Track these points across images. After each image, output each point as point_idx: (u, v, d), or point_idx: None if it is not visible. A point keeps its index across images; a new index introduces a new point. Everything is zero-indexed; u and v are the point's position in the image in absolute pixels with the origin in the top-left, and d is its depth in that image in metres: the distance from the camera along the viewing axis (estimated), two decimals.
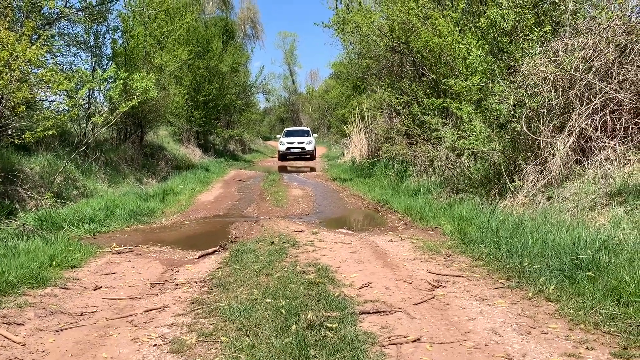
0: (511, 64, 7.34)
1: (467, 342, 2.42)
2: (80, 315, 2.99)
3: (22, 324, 2.77)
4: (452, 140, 7.43)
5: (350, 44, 14.38)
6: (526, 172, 6.55)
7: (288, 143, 23.60)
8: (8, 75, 7.41)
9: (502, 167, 6.88)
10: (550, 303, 2.97)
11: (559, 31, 6.70)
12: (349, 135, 18.54)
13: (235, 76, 26.47)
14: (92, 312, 3.05)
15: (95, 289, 3.63)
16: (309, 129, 27.10)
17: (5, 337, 2.56)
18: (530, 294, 3.14)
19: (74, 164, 9.96)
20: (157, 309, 3.09)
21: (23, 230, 5.92)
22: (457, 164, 8.02)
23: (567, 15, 6.98)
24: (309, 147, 23.65)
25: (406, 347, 2.35)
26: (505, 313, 2.84)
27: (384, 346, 2.35)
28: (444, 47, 9.49)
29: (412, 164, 10.01)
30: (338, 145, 26.35)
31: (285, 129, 26.66)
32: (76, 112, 9.43)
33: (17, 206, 7.81)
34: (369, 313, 2.81)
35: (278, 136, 26.27)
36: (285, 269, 3.88)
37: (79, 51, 14.03)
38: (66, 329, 2.75)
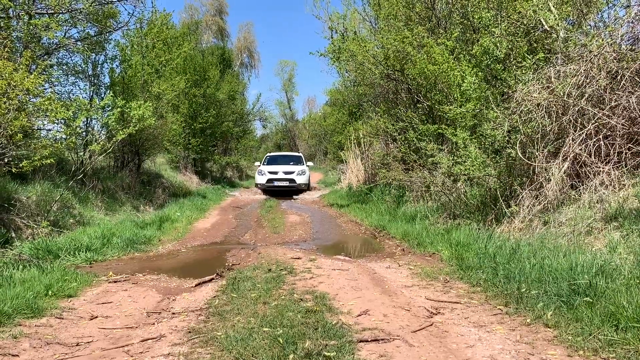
0: (505, 90, 7.44)
1: None
2: (76, 345, 2.97)
3: (17, 355, 2.74)
4: (448, 167, 7.48)
5: (346, 72, 14.55)
6: (522, 197, 6.59)
7: (270, 173, 17.56)
8: (6, 104, 7.47)
9: (498, 192, 6.92)
10: (548, 329, 2.96)
11: (551, 58, 6.81)
12: (346, 162, 18.62)
13: (232, 104, 26.69)
14: (88, 343, 3.02)
15: (91, 319, 3.60)
16: (300, 154, 20.77)
17: None
18: (528, 320, 3.14)
19: (71, 192, 9.96)
20: (153, 338, 3.06)
21: (19, 259, 5.89)
22: (453, 190, 8.05)
23: (559, 43, 7.10)
24: (300, 179, 17.60)
25: None
26: (503, 340, 2.83)
27: None
28: (438, 74, 9.64)
29: (408, 190, 10.04)
30: (335, 171, 26.37)
31: (268, 154, 20.68)
32: (73, 141, 9.48)
33: (13, 234, 7.78)
34: (367, 341, 2.79)
35: (257, 163, 20.55)
36: (283, 297, 3.86)
37: (77, 80, 14.18)
38: (62, 359, 2.73)
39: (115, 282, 4.84)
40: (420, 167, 9.26)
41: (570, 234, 5.47)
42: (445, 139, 9.46)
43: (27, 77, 7.95)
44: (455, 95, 9.02)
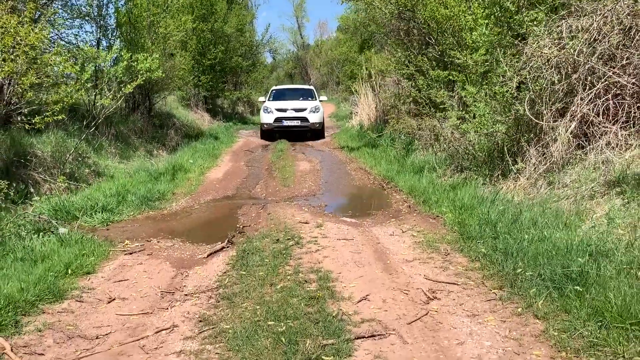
0: (515, 42, 7.22)
1: None
2: (96, 338, 3.21)
3: (43, 354, 2.99)
4: (455, 125, 7.47)
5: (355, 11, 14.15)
6: (529, 154, 6.62)
7: (278, 110, 15.46)
8: (13, 62, 7.52)
9: (505, 148, 6.94)
10: (538, 321, 3.12)
11: (565, 11, 6.58)
12: (357, 96, 18.36)
13: (241, 37, 26.16)
14: (106, 335, 3.27)
15: (109, 302, 3.85)
16: (312, 87, 18.68)
17: None
18: (519, 309, 3.30)
19: (85, 141, 10.13)
20: (167, 329, 3.30)
21: (38, 220, 6.15)
22: (462, 142, 8.03)
23: None
24: (313, 118, 15.49)
25: None
26: (493, 334, 3.01)
27: None
28: (451, 17, 9.37)
29: (417, 138, 10.05)
30: (347, 103, 26.04)
31: (274, 88, 18.29)
32: (82, 94, 9.56)
33: (32, 190, 8.06)
34: (364, 337, 2.98)
35: (261, 99, 18.00)
36: (289, 277, 4.06)
37: (84, 23, 14.06)
38: (83, 357, 2.97)
39: (130, 253, 5.08)
40: (430, 115, 9.22)
41: (573, 197, 5.54)
42: (456, 85, 9.34)
43: (32, 31, 7.93)
44: (467, 41, 8.81)
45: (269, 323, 3.18)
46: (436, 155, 8.88)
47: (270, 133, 15.69)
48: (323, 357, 2.74)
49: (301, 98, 16.75)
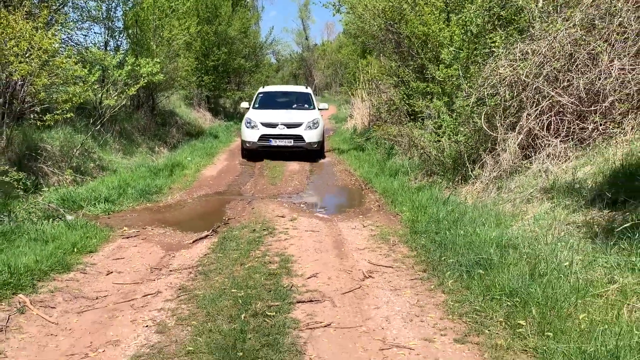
0: (479, 59, 8.03)
1: (362, 327, 3.44)
2: (96, 299, 4.07)
3: (55, 307, 3.85)
4: (427, 133, 8.31)
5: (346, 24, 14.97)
6: (486, 162, 7.44)
7: (265, 125, 12.06)
8: (28, 65, 8.40)
9: (465, 156, 7.77)
10: (443, 295, 3.96)
11: (521, 36, 7.39)
12: (354, 100, 19.19)
13: (244, 38, 26.97)
14: (104, 297, 4.12)
15: (107, 274, 4.71)
16: (309, 91, 14.41)
17: (44, 318, 3.64)
18: (432, 287, 4.13)
19: (91, 137, 11.00)
20: (152, 294, 4.15)
21: (48, 208, 7.01)
22: (431, 149, 8.85)
23: (530, 19, 7.66)
24: (310, 136, 12.12)
25: (317, 331, 3.37)
26: (404, 303, 3.84)
27: (301, 330, 3.37)
28: (429, 34, 10.18)
29: (397, 144, 10.87)
30: (348, 105, 26.84)
31: (261, 91, 14.29)
32: (90, 94, 10.46)
33: (42, 181, 8.94)
34: (303, 302, 3.83)
35: (244, 105, 14.37)
36: (257, 259, 4.91)
37: (93, 25, 14.99)
38: (85, 311, 3.83)
39: (127, 237, 5.93)
40: (404, 124, 10.06)
41: (514, 201, 6.37)
42: (433, 97, 10.16)
43: (45, 36, 8.82)
44: (443, 57, 9.63)
45: (232, 290, 4.02)
46: (411, 160, 9.70)
47: (255, 153, 12.34)
48: (267, 312, 3.58)
49: (295, 106, 13.49)
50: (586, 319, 3.13)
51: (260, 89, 14.65)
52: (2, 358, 3.13)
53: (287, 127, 12.09)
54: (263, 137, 12.04)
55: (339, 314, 3.66)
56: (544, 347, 2.91)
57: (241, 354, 3.02)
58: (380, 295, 4.02)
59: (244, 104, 14.50)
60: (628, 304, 3.22)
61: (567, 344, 2.86)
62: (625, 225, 4.18)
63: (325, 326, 3.45)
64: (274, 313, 3.60)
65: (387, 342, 3.23)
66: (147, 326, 3.53)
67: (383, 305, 3.80)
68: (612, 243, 4.19)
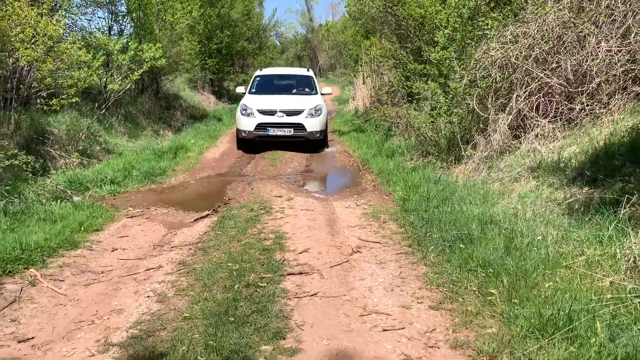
0: (474, 42, 8.20)
1: (346, 296, 3.72)
2: (101, 273, 4.37)
3: (63, 280, 4.16)
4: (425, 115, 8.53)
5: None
6: (479, 142, 7.66)
7: (262, 113, 11.06)
8: (34, 51, 8.65)
9: (458, 136, 7.98)
10: (425, 267, 4.23)
11: (509, 19, 7.55)
12: (356, 82, 19.32)
13: (247, 20, 27.01)
14: (110, 271, 4.43)
15: (112, 251, 5.01)
16: (311, 74, 13.23)
17: (53, 290, 3.95)
18: (415, 260, 4.40)
19: (96, 120, 11.28)
20: (154, 268, 4.44)
21: (56, 189, 7.31)
22: (426, 130, 9.06)
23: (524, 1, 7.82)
24: (312, 125, 11.08)
25: (304, 300, 3.65)
26: (387, 274, 4.12)
27: (290, 299, 3.66)
28: (425, 16, 10.32)
29: (395, 125, 11.08)
30: (351, 87, 26.94)
31: (258, 74, 13.35)
32: (95, 80, 10.71)
33: (49, 164, 9.25)
34: (293, 274, 4.11)
35: (240, 90, 13.00)
36: (253, 236, 5.19)
37: (96, 9, 15.21)
38: (92, 284, 4.14)
39: (132, 217, 6.23)
40: (399, 106, 10.27)
41: (503, 180, 6.61)
42: (430, 78, 10.34)
43: (50, 22, 9.06)
44: (437, 39, 9.79)
45: (228, 264, 4.31)
46: (408, 141, 9.91)
47: (251, 143, 11.33)
48: (259, 284, 3.87)
49: (296, 91, 12.61)
50: (552, 287, 3.39)
51: (257, 72, 13.63)
52: (16, 325, 3.44)
53: (287, 115, 11.05)
54: (260, 126, 11.00)
55: (325, 285, 3.95)
56: (510, 312, 3.18)
57: (232, 319, 3.31)
58: (366, 268, 4.29)
59: (240, 89, 13.13)
60: (591, 274, 3.48)
61: (529, 309, 3.13)
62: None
63: (312, 295, 3.73)
64: (266, 284, 3.89)
65: (367, 309, 3.52)
66: (148, 297, 3.82)
67: (367, 277, 4.08)
68: (587, 219, 4.43)
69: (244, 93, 12.48)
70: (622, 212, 3.92)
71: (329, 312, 3.48)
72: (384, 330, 3.20)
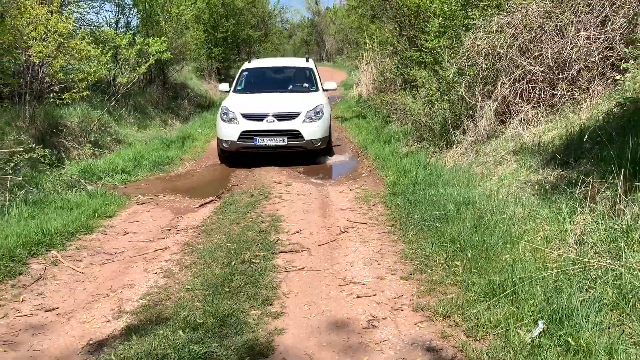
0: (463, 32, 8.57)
1: (329, 270, 4.21)
2: (115, 254, 4.90)
3: (81, 260, 4.69)
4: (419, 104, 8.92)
5: None
6: (468, 128, 8.07)
7: (247, 118, 8.84)
8: (45, 47, 9.15)
9: (449, 122, 8.39)
10: (403, 245, 4.69)
11: (492, 10, 7.91)
12: (360, 66, 19.60)
13: (253, 8, 27.31)
14: (122, 252, 4.95)
15: (124, 234, 5.54)
16: (311, 65, 10.67)
17: (73, 269, 4.49)
18: (395, 238, 4.87)
19: (107, 112, 11.80)
20: (161, 249, 4.96)
21: (71, 180, 7.85)
22: (421, 115, 9.46)
23: None
24: (310, 132, 8.81)
25: (292, 274, 4.15)
26: (369, 251, 4.59)
27: (279, 273, 4.16)
28: (420, 6, 10.67)
29: (393, 112, 11.47)
30: (357, 71, 27.18)
31: (245, 67, 10.87)
32: (104, 73, 11.21)
33: (64, 155, 9.80)
34: (285, 252, 4.60)
35: (223, 88, 10.61)
36: (251, 219, 5.68)
37: (104, 3, 15.69)
38: (106, 263, 4.66)
39: (141, 204, 6.75)
40: (396, 92, 10.66)
41: (487, 163, 7.03)
42: (426, 66, 10.72)
43: (60, 20, 9.55)
44: (428, 29, 10.15)
45: (228, 244, 4.81)
46: (404, 127, 10.31)
47: (236, 156, 9.18)
48: (254, 260, 4.37)
49: (292, 87, 10.30)
50: (508, 259, 3.84)
51: (245, 65, 11.07)
52: (43, 298, 3.98)
53: (279, 120, 8.75)
54: (245, 135, 8.69)
55: (312, 261, 4.43)
56: (468, 281, 3.64)
57: (228, 289, 3.82)
58: (350, 246, 4.77)
59: (223, 86, 10.64)
60: (546, 248, 3.92)
61: (485, 277, 3.59)
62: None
63: (299, 269, 4.22)
64: (259, 261, 4.38)
65: (346, 280, 4.01)
66: (156, 273, 4.34)
67: (351, 254, 4.56)
68: (554, 199, 4.86)
69: (228, 91, 10.23)
70: (577, 192, 4.34)
71: (313, 283, 3.97)
72: (358, 297, 3.69)
